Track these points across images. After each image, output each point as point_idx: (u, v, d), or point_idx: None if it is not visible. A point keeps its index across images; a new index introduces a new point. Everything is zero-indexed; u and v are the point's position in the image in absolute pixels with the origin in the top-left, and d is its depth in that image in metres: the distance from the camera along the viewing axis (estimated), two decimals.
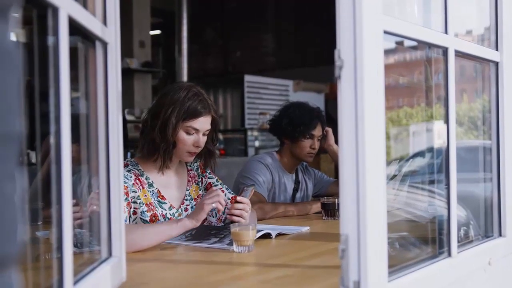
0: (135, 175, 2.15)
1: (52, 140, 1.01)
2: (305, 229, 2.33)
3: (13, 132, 0.58)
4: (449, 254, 1.51)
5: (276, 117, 3.09)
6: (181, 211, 2.26)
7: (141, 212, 2.12)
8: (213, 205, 1.97)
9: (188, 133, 2.16)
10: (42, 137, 1.11)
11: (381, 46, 1.22)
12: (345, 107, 1.18)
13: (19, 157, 0.60)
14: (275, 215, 2.75)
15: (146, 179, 2.19)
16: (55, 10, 1.00)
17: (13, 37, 0.59)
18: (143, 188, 2.16)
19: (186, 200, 2.31)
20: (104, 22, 1.35)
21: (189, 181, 2.35)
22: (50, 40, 1.02)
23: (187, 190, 2.32)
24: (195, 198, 2.33)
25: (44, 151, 1.53)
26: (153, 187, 2.20)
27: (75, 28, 1.12)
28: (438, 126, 1.90)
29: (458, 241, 1.55)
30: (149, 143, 2.17)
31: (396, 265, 1.32)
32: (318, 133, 3.01)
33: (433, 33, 1.50)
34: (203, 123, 2.18)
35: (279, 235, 2.15)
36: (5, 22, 0.57)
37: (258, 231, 2.02)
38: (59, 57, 1.01)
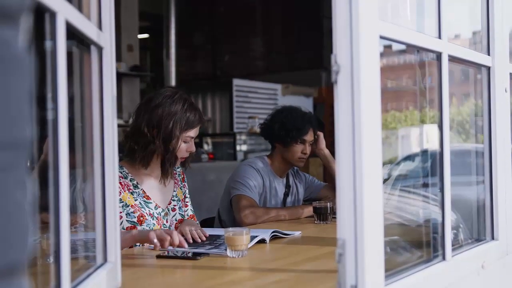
0: None
1: (50, 145, 1.00)
2: (297, 233, 2.34)
3: (24, 138, 0.58)
4: (444, 258, 1.52)
5: (268, 121, 3.08)
6: (168, 210, 2.34)
7: (127, 214, 2.18)
8: (155, 240, 1.90)
9: (185, 142, 2.27)
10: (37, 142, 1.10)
11: (378, 51, 1.23)
12: (341, 111, 1.18)
13: (27, 164, 0.60)
14: (267, 220, 2.75)
15: (130, 181, 2.26)
16: (53, 14, 1.00)
17: (23, 43, 0.59)
18: (125, 191, 2.21)
19: (174, 200, 2.39)
20: (99, 26, 1.35)
21: (175, 183, 2.43)
22: (47, 44, 1.02)
23: (174, 191, 2.40)
24: (181, 200, 2.42)
25: (36, 155, 1.52)
26: (139, 188, 2.26)
27: (70, 33, 1.11)
28: (427, 130, 1.92)
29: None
30: (150, 154, 2.23)
31: (392, 269, 1.33)
32: (310, 138, 3.01)
33: (427, 38, 1.51)
34: (197, 130, 2.32)
35: (273, 238, 2.16)
36: (15, 28, 0.57)
37: (252, 237, 2.01)
38: (56, 61, 1.01)
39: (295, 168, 3.19)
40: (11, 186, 0.56)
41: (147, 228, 2.19)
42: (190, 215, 2.41)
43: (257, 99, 8.27)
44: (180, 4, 8.82)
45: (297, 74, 8.82)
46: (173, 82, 8.64)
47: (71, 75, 1.28)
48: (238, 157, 7.29)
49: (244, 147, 7.54)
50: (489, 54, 1.83)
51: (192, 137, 2.29)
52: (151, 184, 2.31)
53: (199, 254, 1.85)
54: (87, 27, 1.22)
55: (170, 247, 1.97)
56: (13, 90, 0.57)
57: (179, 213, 2.38)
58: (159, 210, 2.29)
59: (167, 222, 2.31)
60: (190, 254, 1.87)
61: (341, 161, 1.17)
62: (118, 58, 7.28)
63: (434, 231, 1.61)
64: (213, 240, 2.12)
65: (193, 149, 2.31)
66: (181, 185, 2.46)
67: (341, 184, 1.18)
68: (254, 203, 2.83)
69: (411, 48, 1.60)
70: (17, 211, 0.57)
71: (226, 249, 1.87)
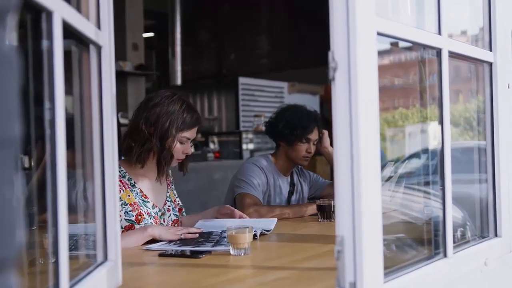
0: None
1: (47, 144, 1.01)
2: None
3: (12, 136, 0.59)
4: (445, 255, 1.51)
5: (272, 120, 3.08)
6: (164, 210, 2.38)
7: (125, 212, 2.21)
8: (182, 236, 2.11)
9: (181, 142, 2.30)
10: (36, 142, 1.10)
11: (375, 47, 1.22)
12: (339, 108, 1.18)
13: (17, 161, 0.60)
14: (271, 218, 2.75)
15: (128, 180, 2.28)
16: (49, 14, 1.00)
17: (10, 41, 0.59)
18: (125, 189, 2.25)
19: (168, 201, 2.43)
20: (98, 25, 1.35)
21: (168, 185, 2.47)
22: (44, 43, 1.02)
23: (167, 192, 2.44)
24: (173, 201, 2.46)
25: (38, 155, 1.53)
26: (136, 187, 2.29)
27: (69, 32, 1.12)
28: (434, 127, 1.91)
29: (454, 242, 1.55)
30: (146, 151, 2.26)
31: (392, 266, 1.32)
32: (315, 137, 3.00)
33: (427, 34, 1.50)
34: (195, 132, 2.34)
35: (275, 236, 2.17)
36: (2, 26, 0.57)
37: None
38: (53, 60, 1.01)
39: (300, 166, 3.18)
40: None
41: None
42: (174, 219, 2.42)
43: (263, 97, 8.27)
44: (185, 3, 8.83)
45: (303, 72, 8.80)
46: (178, 81, 8.65)
47: (70, 74, 1.28)
48: (244, 155, 7.29)
49: (250, 146, 7.55)
50: (491, 50, 1.82)
51: (188, 138, 2.31)
52: (147, 184, 2.34)
53: (201, 252, 1.85)
54: (85, 26, 1.22)
55: (172, 247, 1.98)
56: (0, 88, 0.57)
57: (173, 214, 2.42)
58: (156, 209, 2.33)
59: (164, 221, 2.34)
60: (191, 253, 1.87)
61: (339, 158, 1.17)
62: (123, 57, 7.29)
63: (436, 228, 1.60)
64: (206, 237, 2.12)
65: (189, 151, 2.34)
66: (172, 187, 2.50)
67: (339, 181, 1.18)
68: (258, 201, 2.83)
69: (414, 45, 1.59)
70: (5, 208, 0.58)
71: (227, 245, 1.87)
